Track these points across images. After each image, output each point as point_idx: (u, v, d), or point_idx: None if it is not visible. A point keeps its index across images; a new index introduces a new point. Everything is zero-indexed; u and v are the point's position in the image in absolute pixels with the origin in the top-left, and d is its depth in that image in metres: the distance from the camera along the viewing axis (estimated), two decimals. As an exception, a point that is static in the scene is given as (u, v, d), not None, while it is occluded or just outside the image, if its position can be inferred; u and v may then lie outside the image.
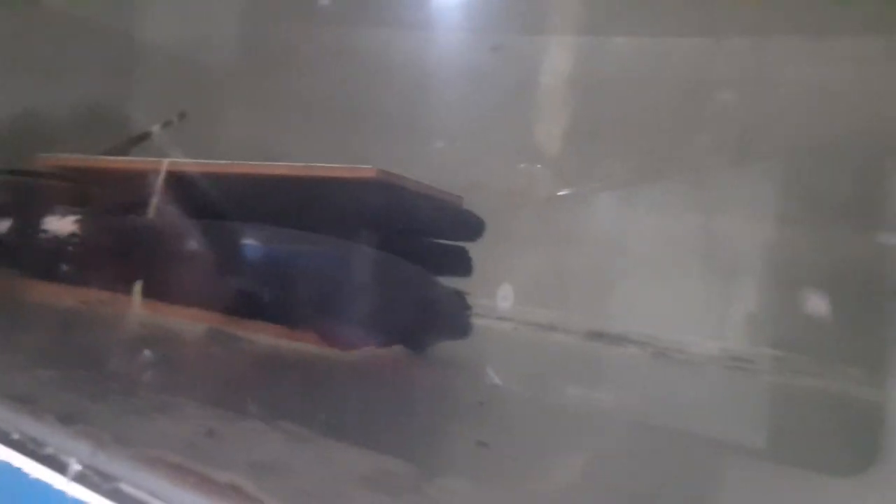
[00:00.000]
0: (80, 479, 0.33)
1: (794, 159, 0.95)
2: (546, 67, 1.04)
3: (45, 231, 0.67)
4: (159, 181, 0.65)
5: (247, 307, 0.64)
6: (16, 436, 0.36)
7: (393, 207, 0.68)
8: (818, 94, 0.94)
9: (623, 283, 1.03)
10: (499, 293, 0.94)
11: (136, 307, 0.64)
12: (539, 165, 1.09)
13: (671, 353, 0.93)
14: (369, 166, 0.64)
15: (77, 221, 0.67)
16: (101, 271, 0.65)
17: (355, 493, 0.33)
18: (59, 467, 0.34)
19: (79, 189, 0.71)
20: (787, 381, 0.87)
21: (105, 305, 0.64)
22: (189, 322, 0.65)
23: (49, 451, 0.35)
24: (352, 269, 0.62)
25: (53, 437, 0.36)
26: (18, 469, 0.35)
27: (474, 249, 0.79)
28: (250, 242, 0.62)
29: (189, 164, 0.67)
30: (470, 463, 0.41)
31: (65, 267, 0.66)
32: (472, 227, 0.77)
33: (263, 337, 0.63)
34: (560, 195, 1.10)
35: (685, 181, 1.06)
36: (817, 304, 0.86)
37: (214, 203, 0.67)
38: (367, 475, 0.35)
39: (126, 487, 0.31)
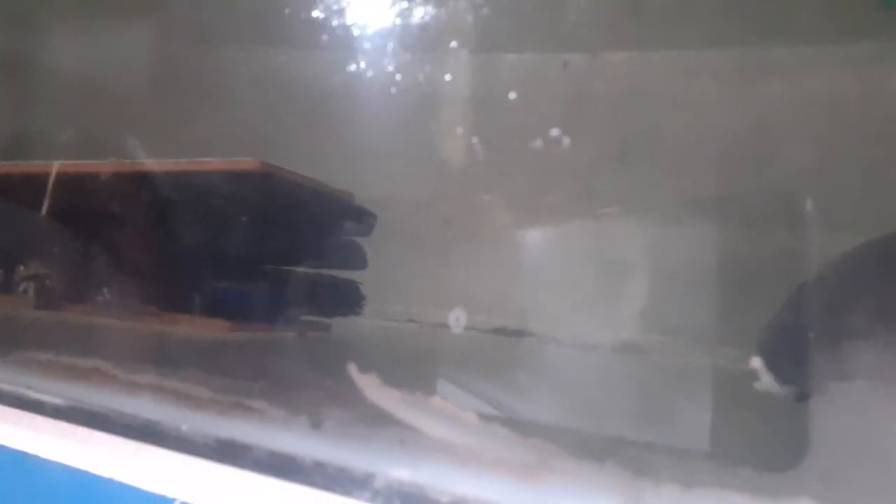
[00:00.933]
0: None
1: (670, 166, 1.04)
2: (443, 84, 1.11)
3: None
4: (49, 183, 0.68)
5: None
6: None
7: (278, 199, 0.72)
8: (687, 104, 1.04)
9: (524, 285, 1.10)
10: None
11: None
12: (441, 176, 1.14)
13: (565, 342, 0.98)
14: (252, 158, 0.69)
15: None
16: None
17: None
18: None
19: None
20: (667, 360, 0.94)
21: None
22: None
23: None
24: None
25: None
26: None
27: (386, 259, 0.85)
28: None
29: (77, 165, 0.70)
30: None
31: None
32: (364, 221, 0.82)
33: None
34: (462, 206, 1.16)
35: (573, 189, 1.13)
36: (698, 293, 0.94)
37: (104, 202, 0.71)
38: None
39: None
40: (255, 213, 0.71)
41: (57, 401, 0.35)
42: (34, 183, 0.70)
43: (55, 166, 0.69)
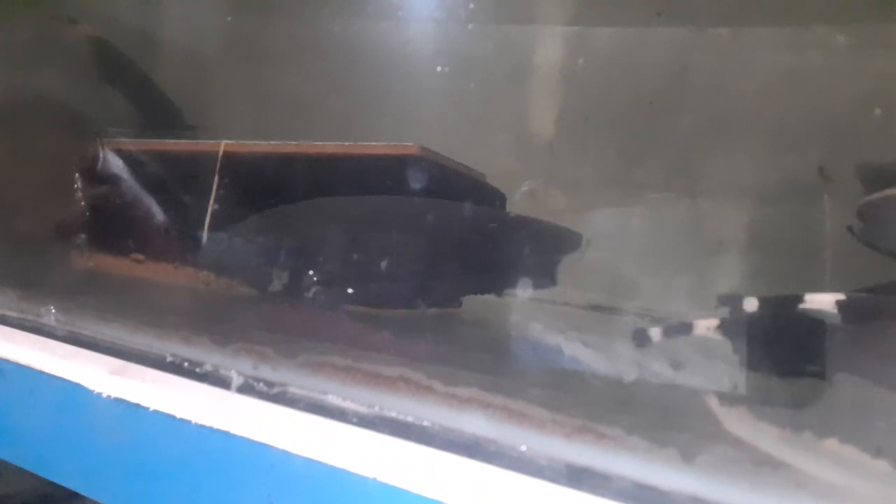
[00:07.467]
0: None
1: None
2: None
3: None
4: (217, 162, 0.68)
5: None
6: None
7: (433, 183, 0.73)
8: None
9: (620, 265, 1.10)
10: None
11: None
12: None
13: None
14: (411, 143, 0.70)
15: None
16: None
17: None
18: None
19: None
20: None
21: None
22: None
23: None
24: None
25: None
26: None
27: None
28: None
29: (242, 145, 0.71)
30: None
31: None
32: (499, 202, 0.83)
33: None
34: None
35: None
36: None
37: (268, 182, 0.72)
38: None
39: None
40: (414, 195, 0.72)
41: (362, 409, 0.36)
42: (197, 162, 0.71)
43: (223, 145, 0.70)
